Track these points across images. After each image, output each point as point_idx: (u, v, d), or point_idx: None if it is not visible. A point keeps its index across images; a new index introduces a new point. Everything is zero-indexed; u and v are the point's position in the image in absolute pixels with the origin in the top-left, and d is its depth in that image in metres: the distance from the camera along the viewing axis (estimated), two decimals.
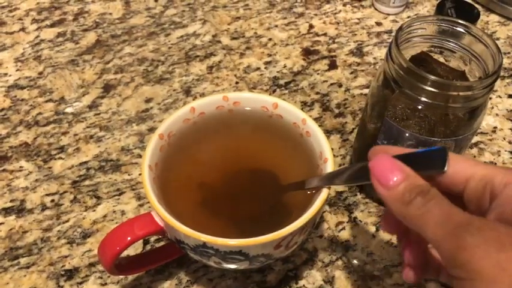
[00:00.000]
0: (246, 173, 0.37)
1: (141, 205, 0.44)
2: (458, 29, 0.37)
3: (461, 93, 0.34)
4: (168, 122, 0.36)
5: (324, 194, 0.32)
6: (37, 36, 0.61)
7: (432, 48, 0.40)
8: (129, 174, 0.46)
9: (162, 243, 0.41)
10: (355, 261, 0.41)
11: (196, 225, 0.31)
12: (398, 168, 0.25)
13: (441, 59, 0.40)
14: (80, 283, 0.39)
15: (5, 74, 0.56)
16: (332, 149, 0.38)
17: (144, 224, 0.32)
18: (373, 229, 0.43)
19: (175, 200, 0.34)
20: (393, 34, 0.61)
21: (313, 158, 0.36)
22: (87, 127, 0.50)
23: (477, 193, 0.26)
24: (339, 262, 0.41)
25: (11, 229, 0.42)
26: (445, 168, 0.26)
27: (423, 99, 0.34)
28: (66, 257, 0.41)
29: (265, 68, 0.57)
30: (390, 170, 0.25)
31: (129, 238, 0.31)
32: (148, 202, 0.43)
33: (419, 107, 0.35)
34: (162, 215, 0.31)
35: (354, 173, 0.30)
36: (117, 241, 0.31)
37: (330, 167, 0.33)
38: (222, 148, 0.38)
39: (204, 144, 0.38)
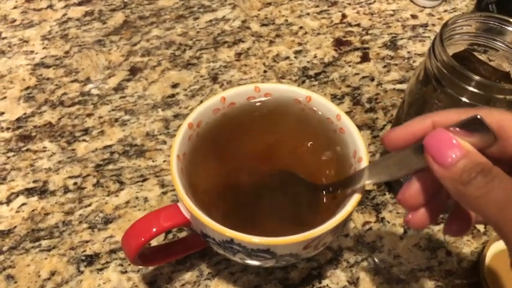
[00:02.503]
0: (275, 168, 0.35)
1: (164, 192, 0.43)
2: (507, 27, 0.35)
3: (507, 97, 0.32)
4: (198, 111, 0.35)
5: (357, 195, 0.31)
6: (64, 14, 0.60)
7: (475, 47, 0.38)
8: (153, 161, 0.45)
9: (184, 233, 0.40)
10: (381, 263, 0.40)
11: (222, 219, 0.30)
12: (457, 143, 0.22)
13: (483, 58, 0.38)
14: (100, 269, 0.39)
15: (32, 52, 0.55)
16: None
17: (171, 216, 0.31)
18: (401, 231, 0.41)
19: (201, 192, 0.33)
20: (429, 28, 0.59)
21: (346, 156, 0.34)
22: (112, 110, 0.50)
23: None
24: (364, 263, 0.40)
25: (33, 210, 0.42)
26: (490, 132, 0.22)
27: (465, 99, 0.33)
28: (87, 242, 0.40)
29: (295, 57, 0.56)
30: (448, 146, 0.22)
31: (154, 229, 0.30)
32: (172, 190, 0.43)
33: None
34: (189, 208, 0.30)
35: (401, 160, 0.27)
36: (142, 232, 0.31)
37: (364, 167, 0.32)
38: (251, 140, 0.37)
39: (233, 136, 0.37)
